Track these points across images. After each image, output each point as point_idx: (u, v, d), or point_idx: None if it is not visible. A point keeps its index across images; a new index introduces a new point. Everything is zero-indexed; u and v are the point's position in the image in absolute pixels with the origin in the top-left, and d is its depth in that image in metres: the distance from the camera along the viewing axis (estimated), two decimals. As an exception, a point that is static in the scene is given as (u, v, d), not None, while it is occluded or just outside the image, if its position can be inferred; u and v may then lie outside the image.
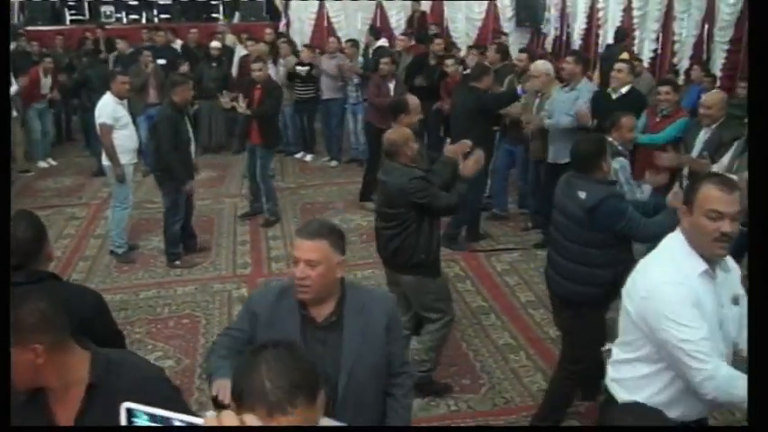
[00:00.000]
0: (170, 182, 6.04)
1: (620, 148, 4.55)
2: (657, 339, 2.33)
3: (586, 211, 3.51)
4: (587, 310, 3.67)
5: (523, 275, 5.94)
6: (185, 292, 5.75)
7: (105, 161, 6.33)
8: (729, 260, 2.47)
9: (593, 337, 3.64)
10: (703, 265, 2.34)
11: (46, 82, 9.23)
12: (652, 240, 3.43)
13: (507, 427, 4.03)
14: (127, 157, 6.26)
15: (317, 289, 2.33)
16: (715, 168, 4.61)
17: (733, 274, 2.49)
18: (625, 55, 8.88)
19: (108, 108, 6.19)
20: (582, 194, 3.55)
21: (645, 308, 2.34)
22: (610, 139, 4.53)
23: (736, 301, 2.44)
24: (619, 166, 4.40)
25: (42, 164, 9.43)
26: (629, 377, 2.51)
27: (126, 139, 6.26)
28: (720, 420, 3.96)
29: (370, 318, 2.41)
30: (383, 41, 9.63)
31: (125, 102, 6.46)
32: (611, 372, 2.61)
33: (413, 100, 4.86)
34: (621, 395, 2.52)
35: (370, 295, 2.52)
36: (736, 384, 2.22)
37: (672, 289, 2.29)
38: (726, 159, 4.72)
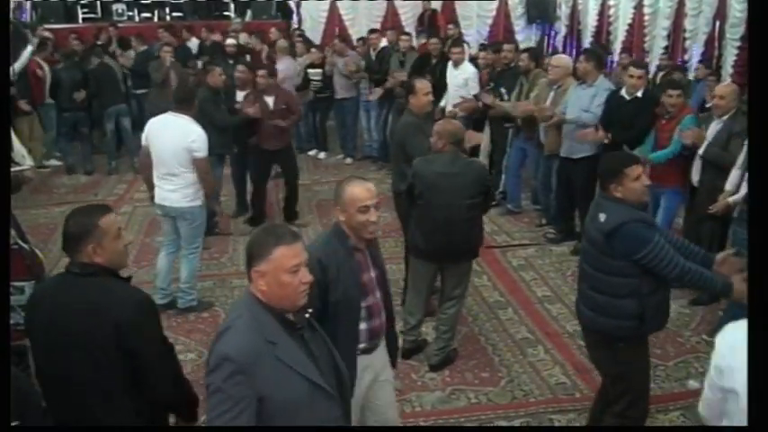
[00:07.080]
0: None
1: None
2: None
3: (605, 235, 3.14)
4: (623, 347, 3.29)
5: (539, 270, 6.00)
6: (204, 287, 5.78)
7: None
8: None
9: (633, 375, 3.34)
10: None
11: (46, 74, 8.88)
12: (682, 285, 3.15)
13: (504, 426, 4.04)
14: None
15: None
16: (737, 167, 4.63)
17: None
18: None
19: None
20: (602, 217, 3.18)
21: None
22: None
23: None
24: None
25: (54, 161, 9.44)
26: None
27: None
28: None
29: None
30: (385, 42, 9.69)
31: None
32: None
33: (420, 82, 5.18)
34: None
35: None
36: None
37: None
38: (741, 157, 4.73)
